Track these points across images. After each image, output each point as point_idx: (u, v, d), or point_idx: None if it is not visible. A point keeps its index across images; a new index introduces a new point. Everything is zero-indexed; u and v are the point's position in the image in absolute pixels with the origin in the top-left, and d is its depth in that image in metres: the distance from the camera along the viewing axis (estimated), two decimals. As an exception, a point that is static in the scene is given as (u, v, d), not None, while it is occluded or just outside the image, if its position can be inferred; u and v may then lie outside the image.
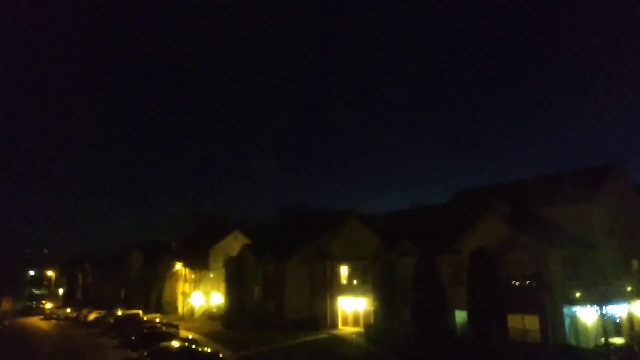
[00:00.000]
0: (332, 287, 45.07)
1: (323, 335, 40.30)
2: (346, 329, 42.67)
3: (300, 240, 50.54)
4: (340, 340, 38.50)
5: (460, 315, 33.67)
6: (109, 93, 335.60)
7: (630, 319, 33.03)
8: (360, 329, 41.07)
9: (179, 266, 65.32)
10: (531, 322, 29.82)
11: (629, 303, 32.32)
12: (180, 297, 66.38)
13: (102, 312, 62.38)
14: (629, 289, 32.80)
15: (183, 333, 42.92)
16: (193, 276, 61.91)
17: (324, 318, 44.29)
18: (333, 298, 44.79)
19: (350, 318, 44.02)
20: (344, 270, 45.04)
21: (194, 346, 32.34)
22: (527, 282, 30.71)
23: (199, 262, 60.43)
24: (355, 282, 43.79)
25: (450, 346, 32.12)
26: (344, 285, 44.67)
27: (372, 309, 40.57)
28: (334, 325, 44.03)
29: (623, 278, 32.75)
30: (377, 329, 37.90)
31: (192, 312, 61.00)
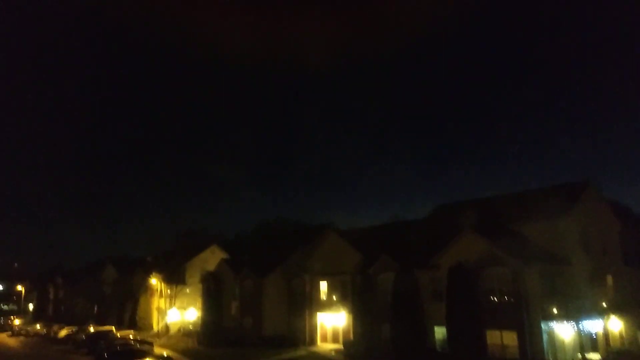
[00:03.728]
0: (311, 302, 44.59)
1: (301, 352, 39.77)
2: (325, 346, 42.18)
3: (279, 255, 50.08)
4: (319, 357, 38.03)
5: (440, 331, 33.64)
6: (85, 107, 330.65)
7: (606, 334, 33.50)
8: (339, 345, 40.64)
9: (154, 281, 63.92)
10: (509, 338, 29.98)
11: (605, 318, 32.81)
12: (155, 313, 64.87)
13: (74, 328, 60.42)
14: (604, 304, 33.36)
15: (157, 350, 41.85)
16: (169, 291, 60.62)
17: (303, 334, 43.73)
18: (312, 314, 44.31)
19: (329, 334, 43.55)
20: (323, 286, 44.61)
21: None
22: (505, 298, 30.92)
23: (175, 277, 59.21)
24: (334, 297, 43.42)
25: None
26: (323, 300, 44.24)
27: (352, 324, 40.26)
28: (313, 341, 43.49)
29: (598, 293, 33.32)
30: (356, 345, 37.58)
31: (167, 328, 59.61)
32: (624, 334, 34.73)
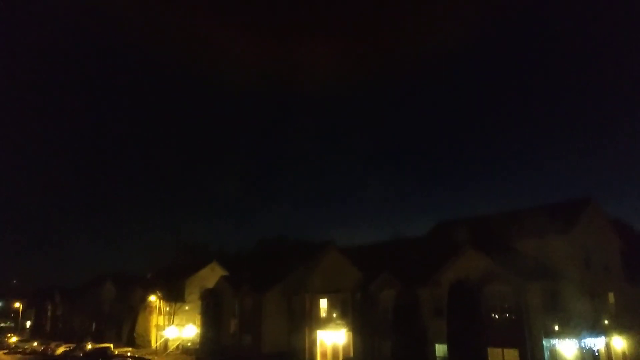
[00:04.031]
0: (311, 320, 44.27)
1: (301, 370, 39.35)
2: (325, 363, 41.76)
3: (279, 272, 49.84)
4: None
5: (441, 349, 33.38)
6: (85, 119, 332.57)
7: (608, 351, 33.18)
8: (339, 363, 40.26)
9: (153, 298, 63.50)
10: (511, 355, 29.73)
11: (607, 336, 32.55)
12: (153, 330, 64.28)
13: (71, 346, 59.85)
14: (606, 321, 33.11)
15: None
16: (168, 308, 60.19)
17: (303, 352, 43.32)
18: (312, 331, 43.95)
19: (329, 352, 43.14)
20: (323, 303, 44.35)
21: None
22: (507, 315, 30.74)
23: (174, 294, 58.82)
24: (334, 314, 43.12)
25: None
26: (323, 318, 43.94)
27: (352, 342, 39.91)
28: (313, 359, 43.06)
29: (600, 311, 33.10)
30: (356, 363, 37.21)
31: (165, 345, 59.04)
32: (626, 352, 34.42)
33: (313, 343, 43.73)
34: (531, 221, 36.19)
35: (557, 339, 29.58)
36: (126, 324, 68.54)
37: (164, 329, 59.79)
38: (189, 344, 55.84)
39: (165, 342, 59.20)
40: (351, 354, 39.48)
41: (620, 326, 33.69)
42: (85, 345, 59.31)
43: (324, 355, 43.36)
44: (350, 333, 40.08)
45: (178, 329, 57.79)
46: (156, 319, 63.72)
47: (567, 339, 29.41)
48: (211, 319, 50.49)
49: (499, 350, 30.23)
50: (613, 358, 33.45)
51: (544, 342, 29.16)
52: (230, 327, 49.67)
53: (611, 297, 35.40)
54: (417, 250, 42.89)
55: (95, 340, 67.38)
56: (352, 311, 40.49)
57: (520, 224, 36.99)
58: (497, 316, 31.18)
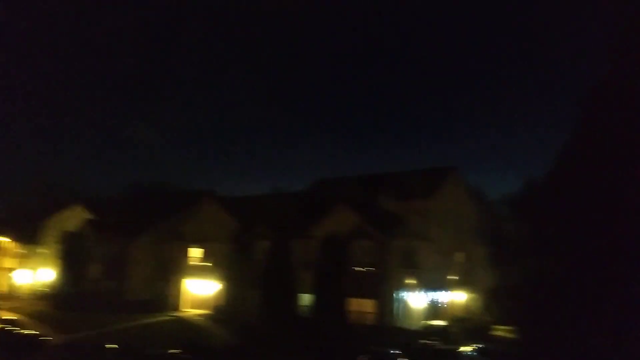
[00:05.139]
0: (182, 268, 43.50)
1: (166, 317, 38.77)
2: (194, 312, 41.59)
3: (152, 219, 47.74)
4: (184, 322, 37.48)
5: (306, 299, 34.89)
6: None
7: (452, 304, 37.33)
8: (209, 311, 40.37)
9: (3, 238, 57.37)
10: (369, 306, 32.09)
11: (453, 290, 36.55)
12: (4, 274, 58.50)
13: None
14: (454, 277, 37.09)
15: (3, 314, 38.00)
16: (23, 251, 55.01)
17: (171, 300, 42.63)
18: (181, 280, 43.30)
19: (199, 300, 42.95)
20: (196, 252, 43.74)
21: (10, 327, 28.74)
22: (369, 269, 32.94)
23: (28, 235, 53.79)
24: (207, 264, 42.81)
25: (295, 327, 33.10)
26: (195, 266, 43.41)
27: (222, 291, 40.09)
28: (181, 307, 42.64)
29: (450, 268, 36.93)
30: (225, 311, 37.58)
31: (16, 290, 54.24)
32: (467, 304, 39.01)
33: (182, 291, 43.18)
34: (400, 183, 38.67)
35: (409, 292, 32.51)
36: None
37: (16, 273, 54.74)
38: (47, 289, 51.85)
39: (16, 286, 54.37)
40: (221, 303, 39.70)
41: (465, 282, 37.97)
42: None
43: (193, 303, 43.08)
44: (222, 282, 40.15)
45: (34, 273, 53.29)
46: (8, 262, 57.95)
47: (418, 292, 32.49)
48: (72, 263, 47.04)
49: (358, 300, 32.40)
50: (455, 309, 37.76)
51: (397, 294, 31.87)
52: (94, 273, 46.93)
53: (461, 256, 39.51)
54: (296, 204, 43.73)
55: None
56: (225, 261, 40.47)
57: (392, 185, 39.36)
58: (360, 269, 33.25)
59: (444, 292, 35.25)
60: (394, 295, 31.77)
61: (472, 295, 39.30)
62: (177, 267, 43.47)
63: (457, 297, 37.63)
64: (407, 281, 32.41)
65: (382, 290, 31.69)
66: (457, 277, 37.47)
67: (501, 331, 32.10)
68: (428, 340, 29.09)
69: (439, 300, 34.95)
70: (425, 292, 32.47)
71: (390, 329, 30.62)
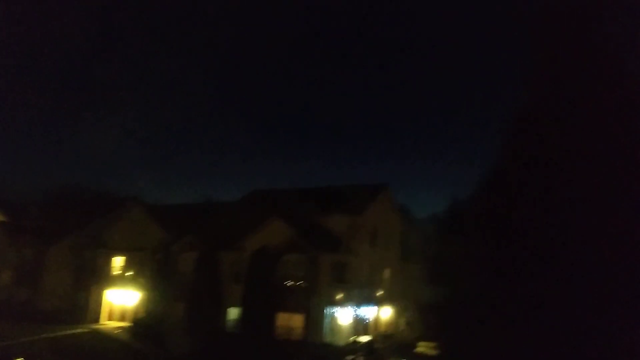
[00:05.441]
0: (101, 277, 41.24)
1: (81, 329, 36.42)
2: (112, 324, 39.45)
3: (72, 223, 44.98)
4: (101, 335, 35.41)
5: (234, 313, 34.21)
6: None
7: (377, 320, 38.07)
8: (128, 323, 38.43)
9: None
10: (297, 321, 31.96)
11: (379, 306, 37.28)
12: None
13: None
14: (380, 293, 37.89)
15: None
16: None
17: (87, 311, 40.18)
18: (101, 289, 41.00)
19: (118, 312, 40.86)
20: (118, 261, 41.70)
21: None
22: (299, 283, 32.89)
23: None
24: (130, 273, 40.88)
25: (221, 341, 32.30)
26: (116, 276, 41.32)
27: (146, 302, 38.39)
28: (98, 318, 40.30)
29: (377, 284, 37.70)
30: (145, 324, 35.96)
31: None
32: (391, 320, 39.94)
33: (101, 302, 40.89)
34: (333, 198, 39.17)
35: (338, 307, 32.78)
36: None
37: None
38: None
39: None
40: (141, 315, 37.96)
41: (390, 298, 38.91)
42: None
43: (111, 315, 40.94)
44: (145, 294, 38.47)
45: None
46: None
47: (346, 308, 32.84)
48: (-24, 269, 43.28)
49: (287, 315, 32.21)
50: (380, 325, 38.53)
51: (326, 310, 32.02)
52: (3, 280, 43.35)
53: (387, 272, 40.52)
54: (228, 215, 43.02)
55: None
56: (150, 271, 38.87)
57: (326, 200, 39.75)
58: (290, 283, 33.12)
59: (371, 307, 35.89)
60: (324, 310, 31.87)
61: (399, 312, 40.35)
62: (97, 276, 41.17)
63: (384, 313, 38.44)
64: (336, 296, 32.67)
65: (312, 305, 31.71)
66: (385, 293, 38.31)
67: (425, 347, 33.18)
68: (354, 356, 29.43)
69: (367, 316, 35.54)
70: (354, 307, 32.88)
71: (318, 345, 30.67)
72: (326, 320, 32.04)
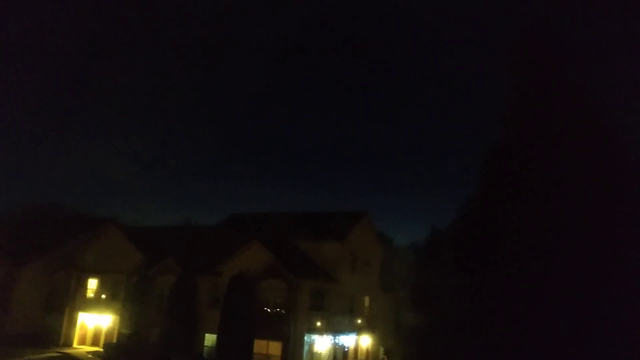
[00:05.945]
0: (74, 300, 40.24)
1: (51, 353, 35.31)
2: (83, 348, 38.35)
3: (45, 243, 43.96)
4: (73, 359, 34.30)
5: (211, 339, 33.64)
6: None
7: (356, 348, 37.81)
8: (101, 348, 37.41)
9: None
10: (275, 348, 31.55)
11: (358, 334, 37.08)
12: None
13: None
14: (359, 321, 37.73)
15: None
16: None
17: (58, 335, 39.02)
18: (73, 313, 39.94)
19: (90, 336, 39.76)
20: (92, 283, 40.78)
21: None
22: (277, 310, 32.60)
23: None
24: (104, 296, 39.96)
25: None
26: (89, 299, 40.34)
27: (117, 327, 37.49)
28: (69, 342, 39.12)
29: (356, 312, 37.57)
30: (118, 348, 35.07)
31: None
32: (370, 348, 39.69)
33: (73, 325, 39.79)
34: (315, 224, 39.30)
35: (317, 335, 32.51)
36: None
37: None
38: None
39: None
40: (114, 339, 37.02)
41: (369, 326, 38.75)
42: None
43: (83, 339, 39.81)
44: (120, 318, 37.61)
45: None
46: None
47: (325, 335, 32.59)
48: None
49: (264, 342, 31.79)
50: (359, 353, 38.24)
51: (305, 337, 31.73)
52: (-31, 302, 41.85)
53: (367, 300, 40.44)
54: (207, 239, 42.61)
55: None
56: (126, 295, 38.06)
57: (306, 225, 39.82)
58: (268, 310, 32.81)
59: (351, 335, 35.67)
60: (303, 337, 31.58)
61: (379, 339, 40.13)
62: (71, 299, 40.15)
63: (363, 341, 38.23)
64: (315, 323, 32.44)
65: (291, 332, 31.38)
66: (364, 321, 38.16)
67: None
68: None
69: (346, 344, 35.28)
70: (333, 335, 32.65)
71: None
72: (305, 348, 31.72)
